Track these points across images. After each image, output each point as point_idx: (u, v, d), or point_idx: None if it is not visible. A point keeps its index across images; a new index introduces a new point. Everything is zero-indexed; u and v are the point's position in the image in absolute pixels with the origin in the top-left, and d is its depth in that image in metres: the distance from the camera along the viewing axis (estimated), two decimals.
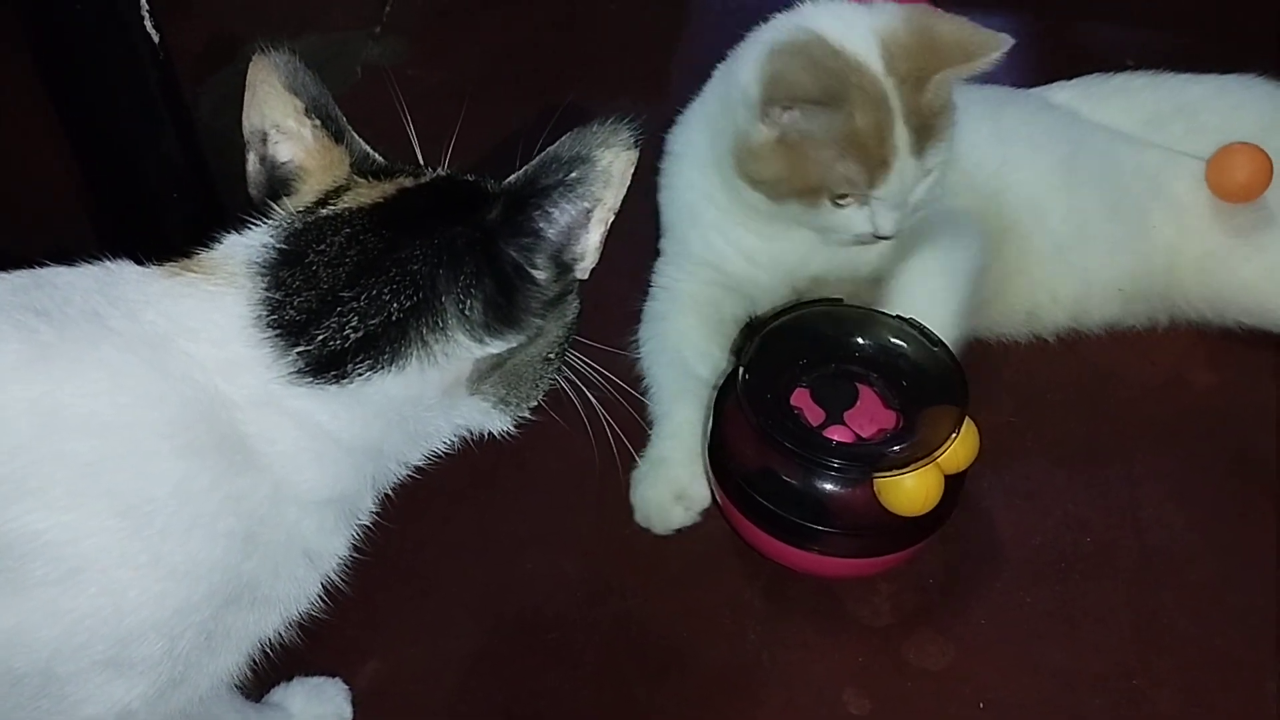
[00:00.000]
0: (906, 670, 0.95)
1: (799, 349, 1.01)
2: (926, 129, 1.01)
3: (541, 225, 0.69)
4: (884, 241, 1.05)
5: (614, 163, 0.68)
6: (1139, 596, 0.99)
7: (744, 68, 1.05)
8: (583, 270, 0.71)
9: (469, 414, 0.74)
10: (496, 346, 0.70)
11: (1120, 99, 1.23)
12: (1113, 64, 1.30)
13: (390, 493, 0.76)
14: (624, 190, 0.69)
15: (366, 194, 0.71)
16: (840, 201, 1.03)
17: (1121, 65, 1.28)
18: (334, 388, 0.66)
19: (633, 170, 0.69)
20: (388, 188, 0.72)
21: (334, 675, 0.94)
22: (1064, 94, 1.24)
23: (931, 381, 0.98)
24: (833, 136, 0.99)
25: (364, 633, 0.98)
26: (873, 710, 0.93)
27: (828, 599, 1.01)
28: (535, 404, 0.77)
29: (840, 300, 1.05)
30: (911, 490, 0.93)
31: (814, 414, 0.99)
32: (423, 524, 1.08)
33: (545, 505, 1.10)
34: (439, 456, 0.76)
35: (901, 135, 0.99)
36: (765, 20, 1.11)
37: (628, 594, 1.02)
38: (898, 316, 1.01)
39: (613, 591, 1.03)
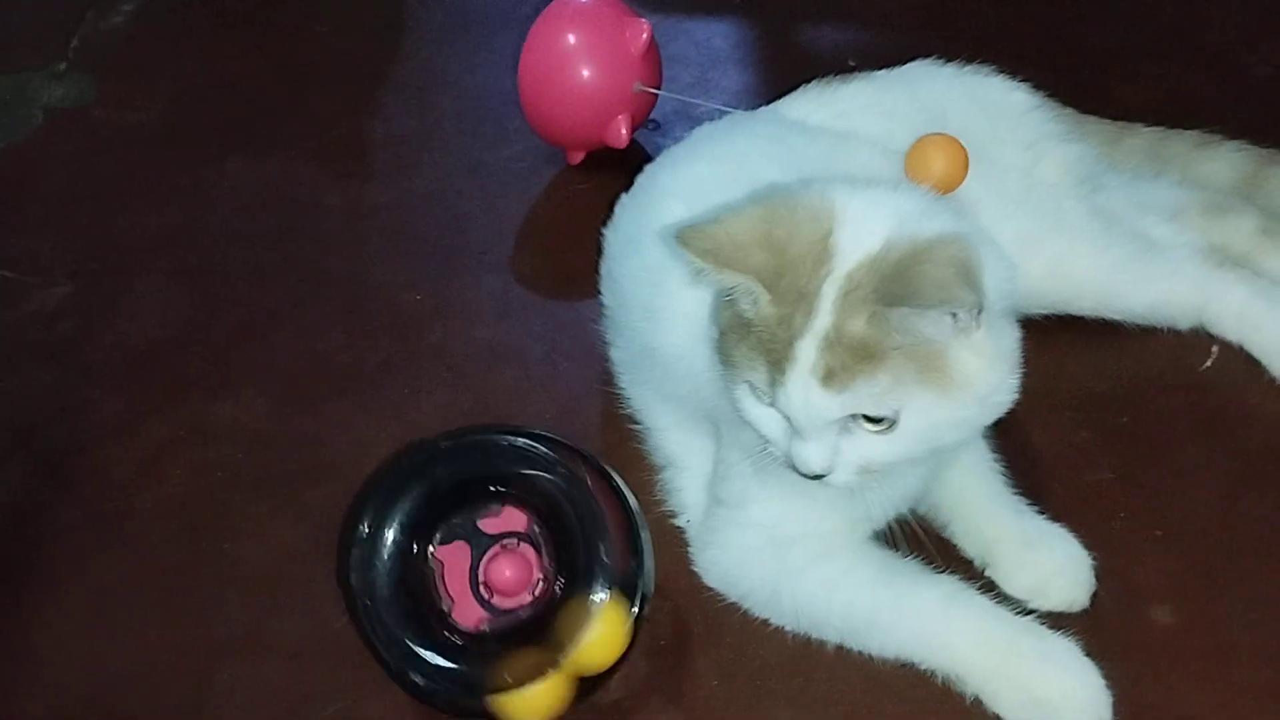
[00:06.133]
0: None
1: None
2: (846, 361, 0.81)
3: None
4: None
5: None
6: None
7: None
8: None
9: None
10: None
11: (844, 103, 1.18)
12: (836, 65, 1.27)
13: None
14: None
15: None
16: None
17: (844, 66, 1.25)
18: None
19: None
20: None
21: None
22: (798, 108, 1.18)
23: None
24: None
25: None
26: None
27: None
28: None
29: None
30: (533, 701, 0.84)
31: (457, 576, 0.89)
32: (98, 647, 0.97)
33: (243, 599, 1.00)
34: None
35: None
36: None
37: (339, 696, 0.93)
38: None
39: (321, 696, 0.93)
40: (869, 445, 0.82)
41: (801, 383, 0.80)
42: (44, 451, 1.15)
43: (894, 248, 0.81)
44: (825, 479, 0.83)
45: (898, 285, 0.79)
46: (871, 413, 0.81)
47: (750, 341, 0.82)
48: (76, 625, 1.00)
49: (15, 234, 1.38)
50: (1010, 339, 0.85)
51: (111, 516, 1.08)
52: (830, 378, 0.79)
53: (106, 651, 0.98)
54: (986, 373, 0.82)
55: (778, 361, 0.81)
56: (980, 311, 0.81)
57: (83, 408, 1.17)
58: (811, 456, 0.82)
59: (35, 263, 1.33)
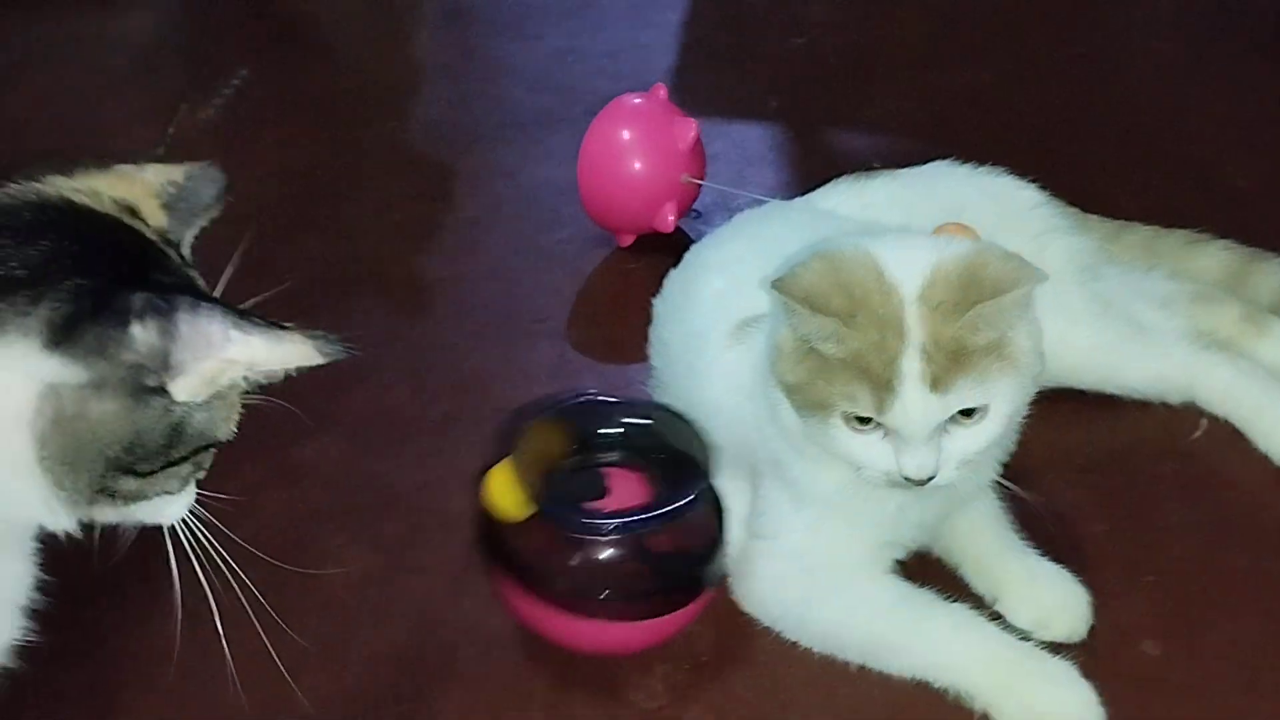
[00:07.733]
0: None
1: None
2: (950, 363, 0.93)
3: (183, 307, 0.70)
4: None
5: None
6: None
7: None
8: (175, 387, 0.73)
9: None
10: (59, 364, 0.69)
11: (871, 196, 1.32)
12: (860, 166, 1.41)
13: None
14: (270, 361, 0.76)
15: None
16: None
17: (868, 167, 1.40)
18: None
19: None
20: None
21: None
22: (830, 199, 1.32)
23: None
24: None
25: None
26: None
27: (608, 683, 1.04)
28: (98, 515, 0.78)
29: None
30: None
31: None
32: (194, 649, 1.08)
33: (323, 616, 1.11)
34: None
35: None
36: None
37: (407, 699, 1.04)
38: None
39: (392, 698, 1.04)
40: (965, 439, 0.96)
41: (916, 391, 0.93)
42: None
43: (947, 268, 0.95)
44: (931, 481, 0.96)
45: (978, 287, 0.94)
46: (971, 404, 0.94)
47: (846, 375, 0.94)
48: (176, 631, 1.11)
49: None
50: (1039, 323, 0.99)
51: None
52: (936, 383, 0.93)
53: (200, 652, 1.08)
54: (1035, 352, 0.97)
55: (886, 381, 0.93)
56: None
57: None
58: (924, 460, 0.95)
59: None
